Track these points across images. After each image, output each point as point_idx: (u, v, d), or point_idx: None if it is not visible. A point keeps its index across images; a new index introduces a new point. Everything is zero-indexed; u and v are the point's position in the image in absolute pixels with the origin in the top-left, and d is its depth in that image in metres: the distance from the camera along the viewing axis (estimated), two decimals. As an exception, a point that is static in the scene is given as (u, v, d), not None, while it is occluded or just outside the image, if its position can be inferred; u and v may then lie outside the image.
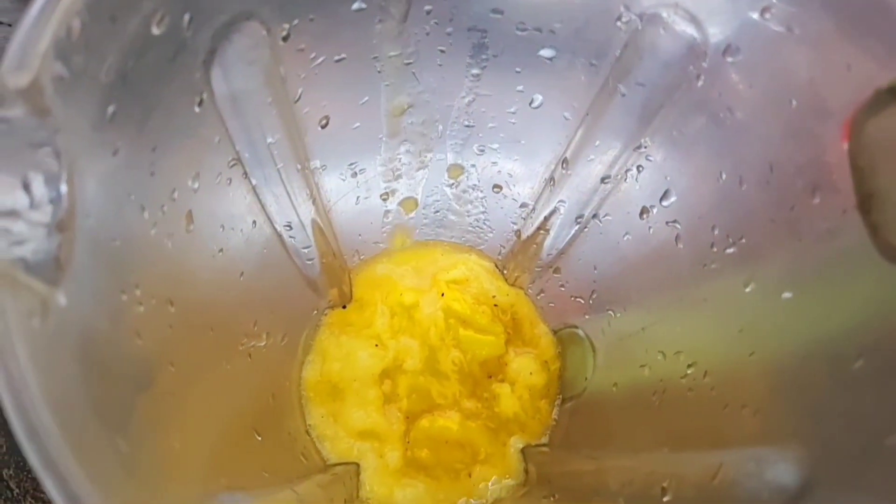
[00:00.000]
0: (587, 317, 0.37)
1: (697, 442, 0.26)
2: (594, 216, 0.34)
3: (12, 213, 0.16)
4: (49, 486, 0.13)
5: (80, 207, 0.18)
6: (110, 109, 0.19)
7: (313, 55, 0.27)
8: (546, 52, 0.28)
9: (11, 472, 0.38)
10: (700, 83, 0.25)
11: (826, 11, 0.20)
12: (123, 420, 0.18)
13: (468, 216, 0.38)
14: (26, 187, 0.16)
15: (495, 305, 0.39)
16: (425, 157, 0.35)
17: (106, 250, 0.20)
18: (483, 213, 0.38)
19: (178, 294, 0.24)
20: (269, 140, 0.27)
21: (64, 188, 0.17)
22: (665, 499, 0.25)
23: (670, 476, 0.25)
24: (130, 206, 0.21)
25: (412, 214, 0.38)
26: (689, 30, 0.24)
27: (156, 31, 0.20)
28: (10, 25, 0.36)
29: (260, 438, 0.29)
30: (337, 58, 0.28)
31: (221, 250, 0.28)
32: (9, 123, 0.16)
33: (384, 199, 0.37)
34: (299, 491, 0.27)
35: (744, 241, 0.26)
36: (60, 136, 0.17)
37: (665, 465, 0.26)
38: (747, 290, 0.26)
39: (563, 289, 0.38)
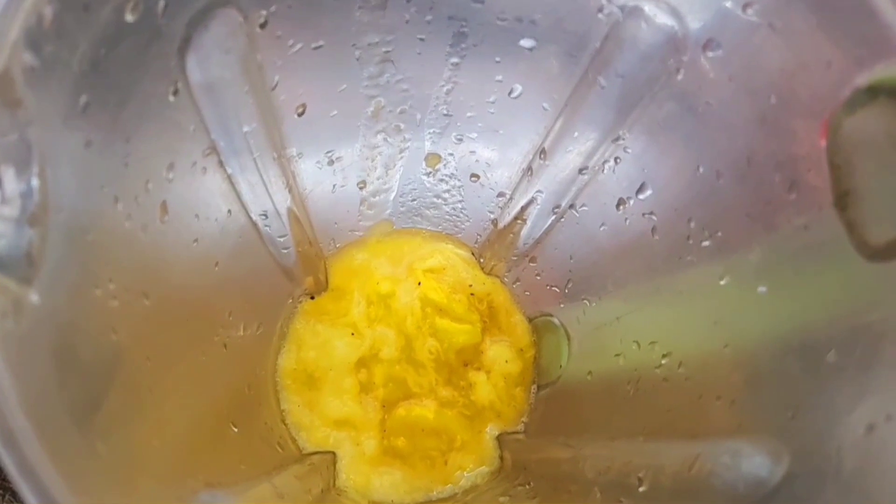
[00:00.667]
0: (562, 305, 0.37)
1: (673, 432, 0.27)
2: (571, 206, 0.34)
3: (-18, 209, 0.16)
4: (27, 493, 0.13)
5: (52, 201, 0.17)
6: (83, 100, 0.18)
7: (291, 42, 0.26)
8: (526, 43, 0.28)
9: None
10: (680, 76, 0.25)
11: (808, 9, 0.20)
12: (101, 421, 0.17)
13: (445, 205, 0.38)
14: (-4, 182, 0.16)
15: (472, 294, 0.39)
16: (403, 145, 0.35)
17: (79, 245, 0.19)
18: (460, 201, 0.38)
19: (152, 287, 0.24)
20: (246, 129, 0.26)
21: (35, 182, 0.17)
22: (641, 489, 0.25)
23: (647, 466, 0.25)
24: (104, 199, 0.21)
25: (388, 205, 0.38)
26: (670, 23, 0.24)
27: (130, 17, 0.19)
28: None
29: (236, 430, 0.29)
30: (315, 45, 0.27)
31: (196, 240, 0.27)
32: (-23, 116, 0.15)
33: (360, 188, 0.36)
34: (277, 484, 0.27)
35: (720, 234, 0.26)
36: (32, 128, 0.17)
37: (641, 454, 0.26)
38: (722, 282, 0.26)
39: (538, 278, 0.38)
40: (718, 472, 0.21)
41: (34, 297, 0.16)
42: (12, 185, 0.16)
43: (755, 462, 0.21)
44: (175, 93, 0.23)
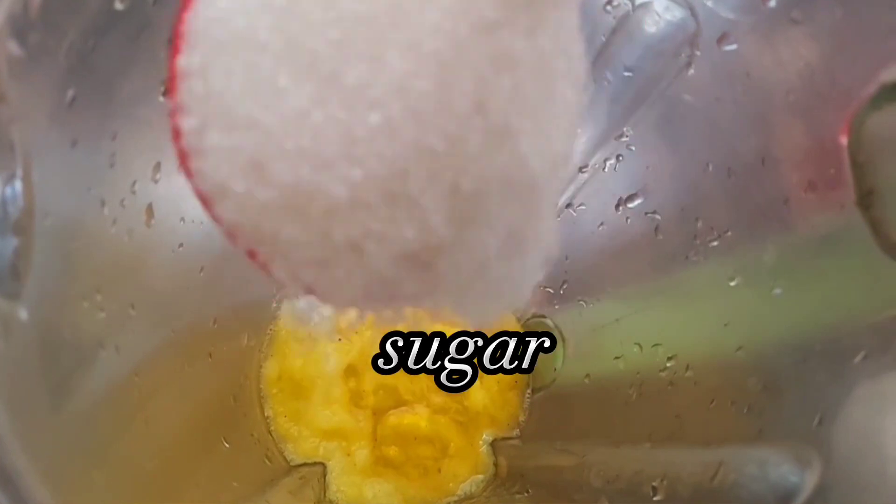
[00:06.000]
0: (556, 307, 0.36)
1: (684, 438, 0.26)
2: (568, 206, 0.33)
3: (-38, 217, 0.14)
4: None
5: (37, 206, 0.16)
6: (70, 94, 0.17)
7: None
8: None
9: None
10: (691, 71, 0.25)
11: (834, 0, 0.20)
12: (96, 447, 0.16)
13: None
14: (-22, 186, 0.14)
15: (463, 296, 0.37)
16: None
17: (65, 253, 0.17)
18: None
19: (138, 296, 0.22)
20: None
21: (19, 186, 0.15)
22: (656, 497, 0.24)
23: (661, 475, 0.24)
24: (90, 202, 0.19)
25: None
26: (683, 16, 0.24)
27: (119, 5, 0.17)
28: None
29: (227, 446, 0.27)
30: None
31: (181, 245, 0.26)
32: (-44, 112, 0.14)
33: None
34: (271, 500, 0.25)
35: (729, 234, 0.26)
36: (15, 126, 0.15)
37: (653, 462, 0.25)
38: (732, 283, 0.25)
39: (531, 279, 0.37)
40: (744, 482, 0.21)
41: (22, 312, 0.14)
42: (-6, 189, 0.15)
43: (783, 470, 0.20)
44: (165, 87, 0.21)
